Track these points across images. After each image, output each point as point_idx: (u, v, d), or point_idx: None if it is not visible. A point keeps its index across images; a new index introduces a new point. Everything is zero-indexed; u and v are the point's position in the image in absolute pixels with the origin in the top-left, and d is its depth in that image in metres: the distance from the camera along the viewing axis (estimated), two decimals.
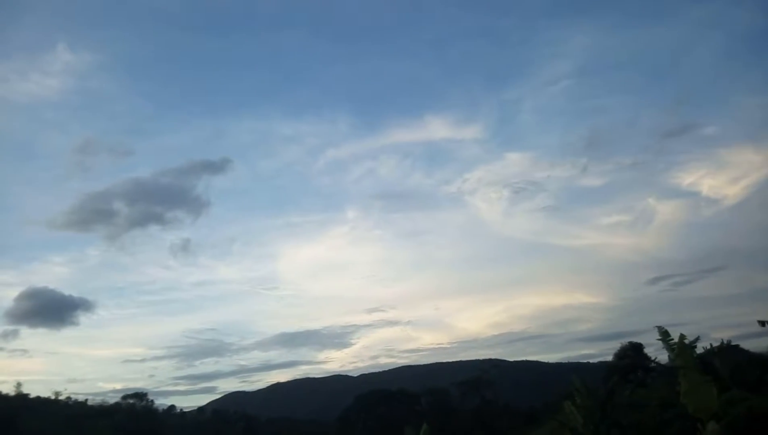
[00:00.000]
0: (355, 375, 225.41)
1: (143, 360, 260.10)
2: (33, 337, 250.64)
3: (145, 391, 76.86)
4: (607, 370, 50.30)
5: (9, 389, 62.22)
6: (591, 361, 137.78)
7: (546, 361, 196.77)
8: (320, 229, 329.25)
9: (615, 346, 54.38)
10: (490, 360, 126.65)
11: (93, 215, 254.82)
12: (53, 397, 60.31)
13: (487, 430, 57.47)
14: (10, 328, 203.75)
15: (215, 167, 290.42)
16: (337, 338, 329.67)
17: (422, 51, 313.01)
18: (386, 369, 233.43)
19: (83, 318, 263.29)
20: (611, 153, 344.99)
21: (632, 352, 52.22)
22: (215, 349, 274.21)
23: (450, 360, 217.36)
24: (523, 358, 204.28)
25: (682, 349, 7.04)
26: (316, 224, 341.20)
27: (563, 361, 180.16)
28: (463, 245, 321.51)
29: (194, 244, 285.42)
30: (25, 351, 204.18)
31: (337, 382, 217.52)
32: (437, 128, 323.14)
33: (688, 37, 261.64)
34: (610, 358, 56.93)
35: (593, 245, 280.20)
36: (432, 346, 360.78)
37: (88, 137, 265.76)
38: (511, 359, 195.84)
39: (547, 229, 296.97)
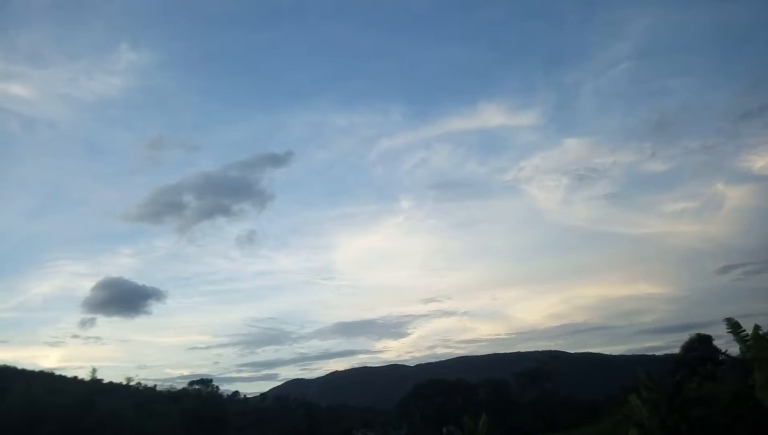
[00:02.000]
0: (412, 365, 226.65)
1: (208, 347, 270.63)
2: (108, 325, 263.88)
3: (210, 378, 79.65)
4: (673, 363, 48.49)
5: (85, 374, 65.88)
6: (656, 353, 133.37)
7: (608, 353, 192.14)
8: (375, 220, 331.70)
9: (682, 338, 52.27)
10: (549, 351, 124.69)
11: (164, 208, 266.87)
12: (125, 383, 63.23)
13: (547, 422, 56.54)
14: (88, 316, 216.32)
15: (278, 160, 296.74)
16: (394, 328, 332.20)
17: (475, 36, 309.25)
18: (443, 359, 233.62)
19: (155, 307, 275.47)
20: (677, 137, 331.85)
21: (700, 345, 50.11)
22: (275, 337, 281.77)
23: (508, 351, 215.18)
24: (585, 350, 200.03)
25: (756, 341, 6.76)
26: (370, 215, 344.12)
27: (627, 353, 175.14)
28: (519, 234, 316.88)
29: (259, 236, 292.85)
30: (98, 338, 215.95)
31: (394, 371, 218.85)
32: (492, 115, 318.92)
33: (763, 14, 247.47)
34: (676, 350, 54.83)
35: (658, 233, 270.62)
36: (489, 337, 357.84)
37: (158, 133, 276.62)
38: (572, 351, 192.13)
39: (609, 217, 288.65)
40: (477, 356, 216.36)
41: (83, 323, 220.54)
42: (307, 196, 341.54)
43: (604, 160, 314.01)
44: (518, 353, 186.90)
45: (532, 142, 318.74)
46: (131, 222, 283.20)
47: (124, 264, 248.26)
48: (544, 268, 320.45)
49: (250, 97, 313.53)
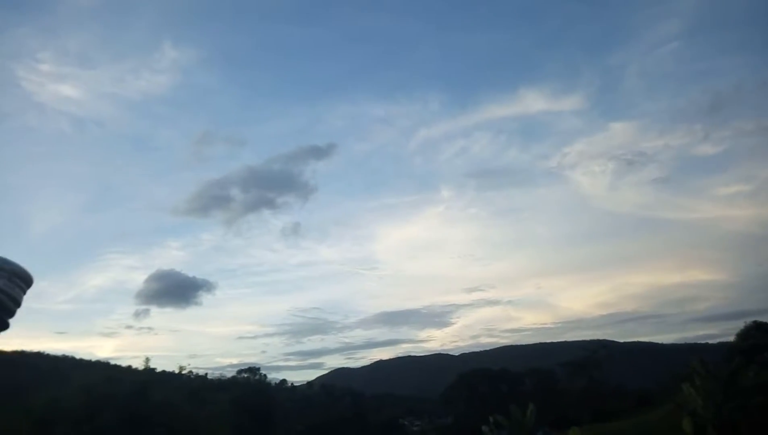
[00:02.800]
0: (456, 354, 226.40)
1: (255, 337, 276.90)
2: (160, 315, 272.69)
3: (258, 366, 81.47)
4: (728, 351, 46.95)
5: (139, 364, 68.23)
6: (710, 342, 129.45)
7: (659, 342, 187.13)
8: (415, 210, 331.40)
9: (737, 326, 50.61)
10: (597, 341, 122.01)
11: (211, 201, 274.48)
12: (177, 371, 65.13)
13: (596, 412, 55.56)
14: (142, 307, 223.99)
15: (321, 152, 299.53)
16: (437, 317, 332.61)
17: (515, 20, 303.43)
18: (487, 349, 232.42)
19: (204, 298, 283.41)
20: (730, 118, 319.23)
21: (757, 332, 48.36)
22: (320, 327, 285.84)
23: (554, 340, 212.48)
24: (635, 339, 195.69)
25: None
26: (410, 205, 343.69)
27: (678, 342, 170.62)
28: (564, 222, 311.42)
29: (303, 228, 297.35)
30: (151, 329, 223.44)
31: (438, 360, 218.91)
32: (533, 101, 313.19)
33: None
34: (731, 338, 53.16)
35: (710, 218, 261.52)
36: (535, 326, 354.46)
37: (204, 129, 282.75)
38: (621, 340, 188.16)
39: (658, 202, 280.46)
40: (522, 346, 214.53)
41: (137, 314, 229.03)
42: (347, 187, 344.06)
43: (652, 143, 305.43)
44: (565, 343, 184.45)
45: (576, 128, 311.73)
46: (180, 216, 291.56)
47: (174, 257, 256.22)
48: (590, 256, 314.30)
49: (290, 90, 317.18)
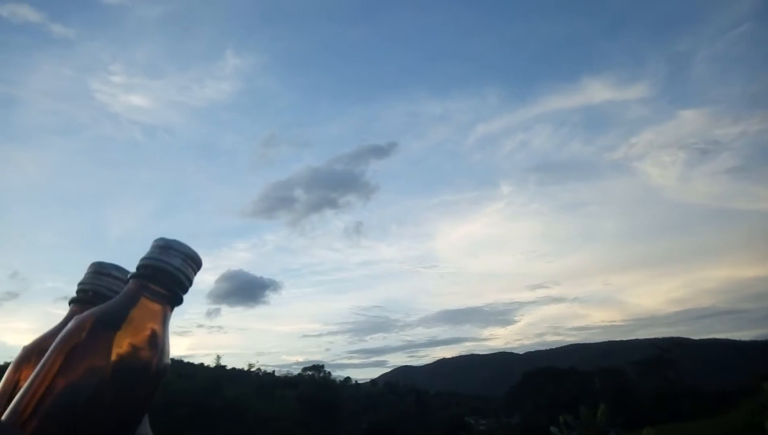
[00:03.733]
0: (521, 352, 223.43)
1: (319, 335, 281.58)
2: (230, 314, 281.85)
3: (322, 364, 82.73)
4: None
5: (210, 361, 70.96)
6: None
7: (738, 338, 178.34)
8: (475, 207, 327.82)
9: None
10: (670, 338, 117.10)
11: (276, 203, 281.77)
12: (246, 369, 67.33)
13: (672, 412, 53.38)
14: (213, 307, 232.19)
15: (381, 151, 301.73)
16: (500, 315, 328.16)
17: (575, 8, 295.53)
18: (553, 347, 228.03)
19: (271, 297, 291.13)
20: None
21: None
22: (382, 325, 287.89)
23: (624, 338, 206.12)
24: (711, 336, 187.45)
25: None
26: (470, 202, 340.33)
27: (760, 339, 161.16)
28: (632, 215, 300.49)
29: (365, 227, 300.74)
30: (221, 327, 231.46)
31: (503, 359, 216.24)
32: (596, 91, 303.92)
33: None
34: None
35: None
36: (603, 324, 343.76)
37: (269, 132, 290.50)
38: (696, 337, 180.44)
39: (734, 192, 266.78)
40: (590, 344, 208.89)
41: (209, 313, 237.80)
42: (406, 185, 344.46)
43: (726, 131, 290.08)
44: (636, 340, 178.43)
45: (643, 117, 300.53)
46: (246, 218, 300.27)
47: (240, 257, 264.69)
48: (661, 250, 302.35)
49: (349, 91, 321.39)
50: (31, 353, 0.56)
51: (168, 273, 0.55)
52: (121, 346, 0.47)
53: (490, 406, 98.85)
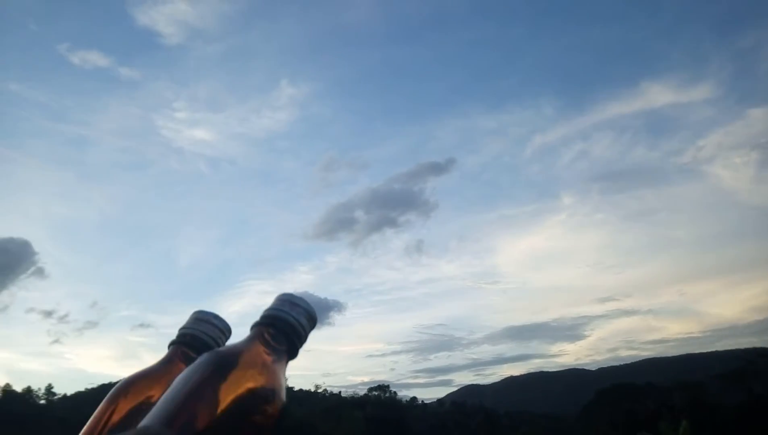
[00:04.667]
0: (593, 368, 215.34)
1: (383, 355, 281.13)
2: None
3: (387, 384, 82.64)
4: None
5: None
6: None
7: None
8: (536, 220, 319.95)
9: None
10: (755, 349, 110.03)
11: (337, 225, 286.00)
12: (313, 390, 68.06)
13: (761, 429, 50.07)
14: None
15: (439, 168, 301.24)
16: (569, 330, 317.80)
17: (629, 11, 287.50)
18: (627, 362, 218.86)
19: (336, 318, 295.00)
20: None
21: None
22: (446, 343, 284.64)
23: (703, 350, 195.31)
24: None
25: None
26: (530, 215, 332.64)
27: None
28: (705, 221, 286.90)
29: (425, 245, 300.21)
30: None
31: (574, 376, 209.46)
32: (657, 94, 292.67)
33: None
34: None
35: None
36: (680, 336, 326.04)
37: (328, 157, 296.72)
38: None
39: None
40: (667, 358, 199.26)
41: None
42: (463, 202, 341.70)
43: None
44: (716, 353, 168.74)
45: (710, 118, 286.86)
46: (308, 241, 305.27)
47: (302, 280, 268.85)
48: (739, 255, 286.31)
49: (402, 111, 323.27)
50: (128, 387, 0.60)
51: (288, 323, 0.61)
52: (241, 385, 0.50)
53: (563, 425, 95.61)
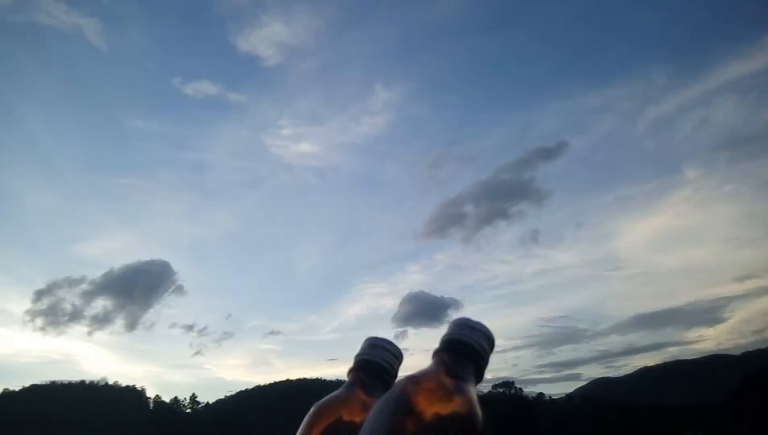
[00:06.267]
0: (737, 353, 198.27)
1: (504, 351, 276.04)
2: (415, 336, 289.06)
3: (512, 380, 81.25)
4: None
5: None
6: None
7: None
8: (656, 198, 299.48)
9: None
10: None
11: (447, 221, 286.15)
12: None
13: None
14: (400, 329, 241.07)
15: (550, 153, 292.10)
16: (706, 314, 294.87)
17: None
18: None
19: (453, 315, 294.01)
20: None
21: None
22: (569, 335, 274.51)
23: None
24: None
25: None
26: (649, 194, 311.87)
27: None
28: None
29: (541, 235, 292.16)
30: (406, 349, 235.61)
31: (715, 362, 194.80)
32: None
33: None
34: None
35: None
36: None
37: (435, 154, 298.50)
38: None
39: None
40: None
41: (396, 337, 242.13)
42: (575, 186, 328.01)
43: None
44: None
45: None
46: (419, 240, 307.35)
47: (414, 280, 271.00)
48: None
49: (502, 99, 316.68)
50: (321, 412, 0.65)
51: (470, 347, 0.64)
52: (443, 414, 0.52)
53: (707, 416, 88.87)
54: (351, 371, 0.71)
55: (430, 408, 0.51)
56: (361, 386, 0.67)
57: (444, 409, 0.52)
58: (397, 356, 0.76)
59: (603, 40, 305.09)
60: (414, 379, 0.55)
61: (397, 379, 0.57)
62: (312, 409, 0.65)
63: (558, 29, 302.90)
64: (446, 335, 0.64)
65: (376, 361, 0.71)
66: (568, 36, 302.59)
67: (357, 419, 0.60)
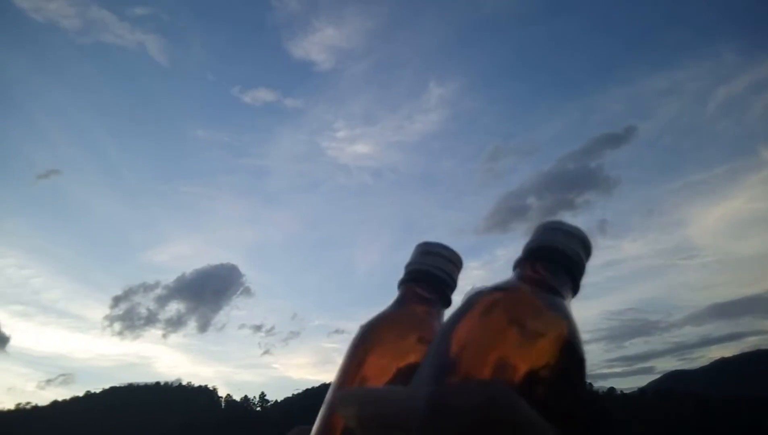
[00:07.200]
0: None
1: None
2: None
3: None
4: None
5: None
6: None
7: None
8: (730, 181, 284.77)
9: None
10: None
11: (509, 215, 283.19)
12: None
13: None
14: None
15: (617, 139, 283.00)
16: None
17: None
18: None
19: None
20: None
21: None
22: (641, 328, 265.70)
23: None
24: None
25: None
26: (723, 177, 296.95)
27: None
28: None
29: (610, 225, 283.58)
30: None
31: None
32: None
33: None
34: None
35: None
36: None
37: (493, 147, 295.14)
38: None
39: None
40: None
41: None
42: (642, 173, 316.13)
43: None
44: None
45: None
46: (480, 235, 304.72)
47: (474, 276, 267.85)
48: None
49: (560, 87, 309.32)
50: (370, 335, 0.56)
51: (566, 256, 0.53)
52: (538, 333, 0.44)
53: None
54: (402, 283, 0.61)
55: (525, 327, 0.39)
56: (416, 301, 0.56)
57: (542, 328, 0.42)
58: (456, 264, 0.63)
59: (665, 18, 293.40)
60: (500, 290, 0.43)
61: (471, 290, 0.47)
62: (359, 332, 0.55)
63: (616, 12, 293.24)
64: (534, 241, 0.52)
65: (432, 271, 0.60)
66: (628, 18, 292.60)
67: (414, 338, 0.49)
